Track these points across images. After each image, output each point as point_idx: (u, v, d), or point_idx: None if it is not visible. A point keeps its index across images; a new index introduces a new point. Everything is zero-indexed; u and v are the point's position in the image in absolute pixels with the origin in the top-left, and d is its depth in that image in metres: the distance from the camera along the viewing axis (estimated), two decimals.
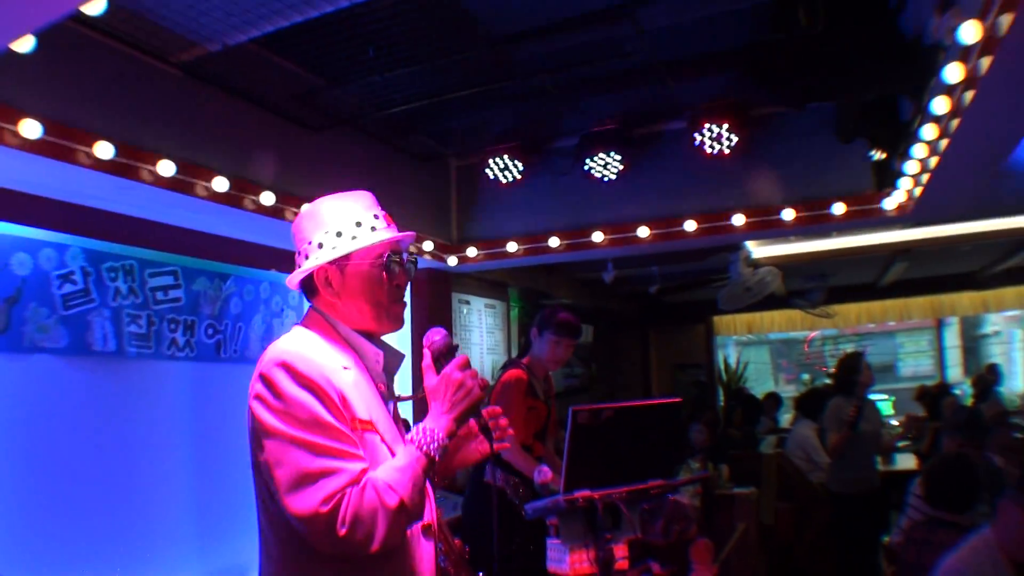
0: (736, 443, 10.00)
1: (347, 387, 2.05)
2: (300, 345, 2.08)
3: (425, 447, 2.05)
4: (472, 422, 2.29)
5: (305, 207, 2.29)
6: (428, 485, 2.21)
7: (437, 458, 2.07)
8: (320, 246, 2.19)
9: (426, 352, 2.23)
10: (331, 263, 2.18)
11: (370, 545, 1.91)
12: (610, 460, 3.33)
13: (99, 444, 4.60)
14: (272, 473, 1.94)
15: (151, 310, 4.94)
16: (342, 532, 1.87)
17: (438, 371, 2.20)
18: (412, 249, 2.36)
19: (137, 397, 4.89)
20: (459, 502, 5.30)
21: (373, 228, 2.22)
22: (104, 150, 3.91)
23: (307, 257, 2.21)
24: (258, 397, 2.00)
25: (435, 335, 2.25)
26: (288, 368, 1.99)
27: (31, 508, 4.23)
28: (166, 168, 4.22)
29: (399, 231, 2.30)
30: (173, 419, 5.09)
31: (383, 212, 2.29)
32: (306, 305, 2.31)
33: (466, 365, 2.18)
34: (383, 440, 2.11)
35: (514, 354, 7.98)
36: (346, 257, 2.19)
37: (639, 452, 3.41)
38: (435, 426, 2.09)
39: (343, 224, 2.20)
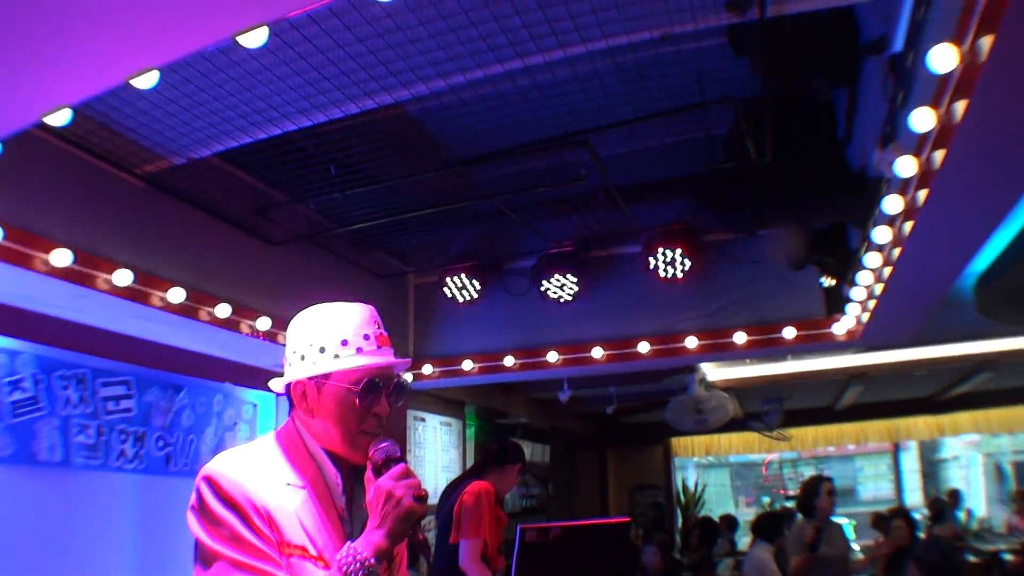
0: (690, 565, 9.91)
1: (278, 509, 1.97)
2: (233, 461, 2.03)
3: (345, 567, 1.90)
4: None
5: (300, 313, 2.19)
6: None
7: None
8: (303, 358, 2.10)
9: (368, 464, 2.08)
10: (310, 379, 2.09)
11: None
12: None
13: (42, 555, 4.46)
14: None
15: (101, 420, 4.87)
16: None
17: None
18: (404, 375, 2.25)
19: (83, 509, 4.76)
20: None
21: (359, 349, 2.09)
22: (61, 257, 3.91)
23: (291, 365, 2.13)
24: (192, 507, 1.98)
25: (381, 443, 2.07)
26: (213, 483, 1.95)
27: None
28: (122, 277, 4.22)
29: (394, 354, 2.18)
30: (120, 532, 4.96)
31: (378, 332, 2.16)
32: (261, 418, 2.27)
33: (403, 475, 2.00)
34: (326, 565, 1.98)
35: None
36: (325, 376, 2.07)
37: (588, 571, 3.40)
38: (361, 544, 1.94)
39: (328, 340, 2.09)
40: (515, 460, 5.13)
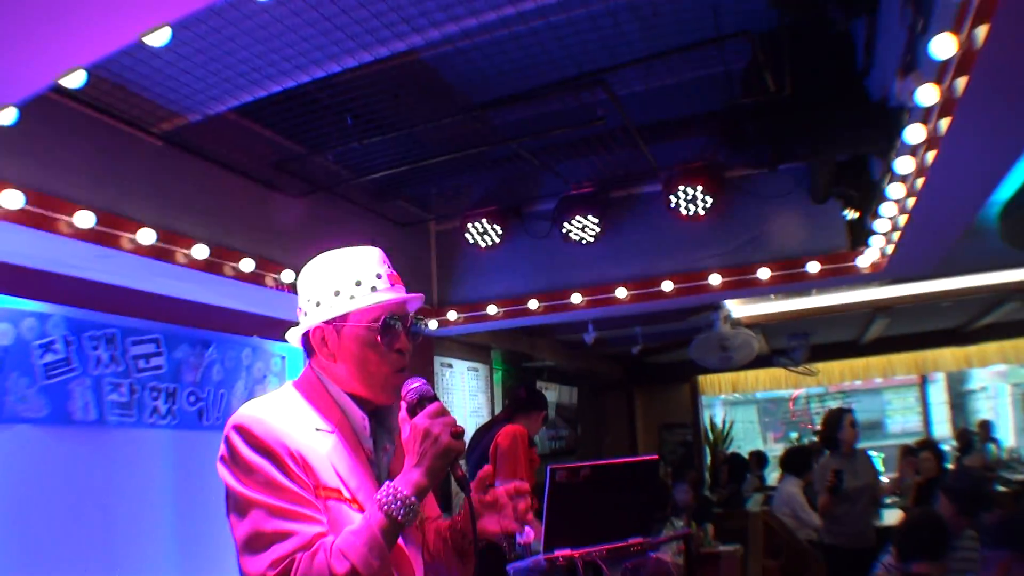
0: (720, 502, 9.98)
1: (311, 452, 1.98)
2: (262, 408, 2.03)
3: (385, 506, 1.90)
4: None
5: (311, 262, 2.21)
6: (410, 550, 2.12)
7: (400, 518, 1.90)
8: (318, 304, 2.11)
9: (402, 404, 2.11)
10: (327, 323, 2.10)
11: None
12: (590, 518, 3.34)
13: (80, 514, 4.54)
14: (233, 534, 1.93)
15: (133, 378, 4.93)
16: None
17: None
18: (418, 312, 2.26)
19: (118, 466, 4.83)
20: None
21: (373, 288, 2.12)
22: (84, 219, 3.95)
23: (306, 314, 2.14)
24: (221, 458, 1.98)
25: (413, 383, 2.10)
26: (244, 431, 1.96)
27: None
28: (146, 236, 4.26)
29: (406, 291, 2.20)
30: (155, 488, 5.03)
31: (389, 271, 2.18)
32: (290, 370, 2.28)
33: (439, 413, 2.01)
34: (360, 508, 2.00)
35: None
36: (343, 318, 2.09)
37: (618, 510, 3.43)
38: (401, 482, 1.94)
39: (342, 283, 2.11)
40: (541, 407, 5.22)
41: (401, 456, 2.10)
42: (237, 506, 1.93)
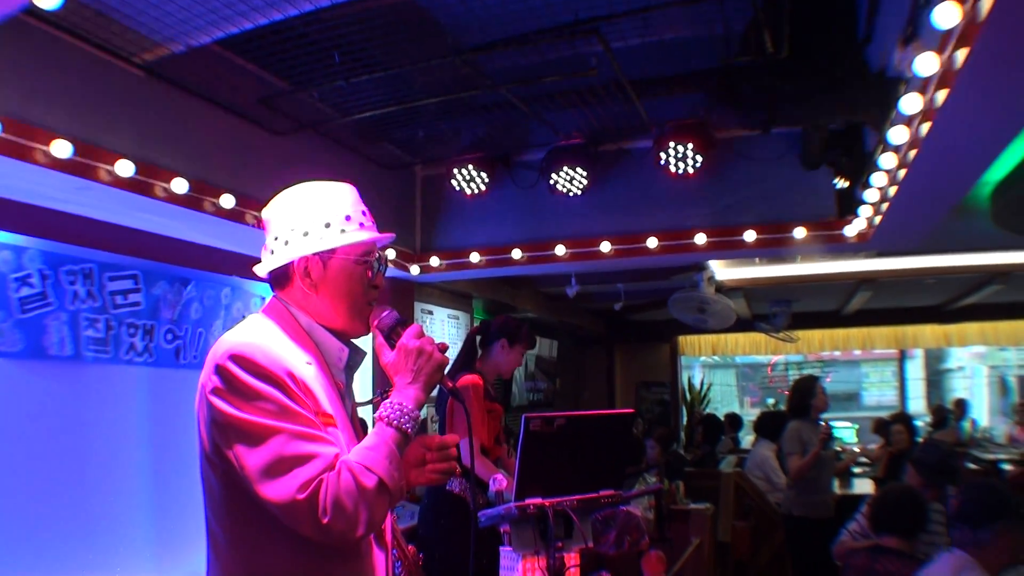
0: (693, 461, 10.07)
1: (309, 379, 2.01)
2: (256, 336, 2.03)
3: (395, 421, 2.01)
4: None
5: (286, 192, 2.22)
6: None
7: (410, 430, 2.03)
8: (305, 234, 2.13)
9: (375, 332, 2.20)
10: (315, 254, 2.13)
11: (355, 530, 1.89)
12: (562, 469, 3.33)
13: (55, 450, 4.51)
14: (243, 464, 1.90)
15: (110, 314, 4.87)
16: (325, 520, 1.85)
17: (392, 347, 2.16)
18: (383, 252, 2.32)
19: (94, 403, 4.79)
20: (416, 511, 5.30)
21: (361, 224, 2.18)
22: (61, 148, 3.85)
23: (287, 243, 2.14)
24: (216, 391, 1.96)
25: (383, 312, 2.22)
26: (243, 360, 1.95)
27: None
28: (124, 168, 4.16)
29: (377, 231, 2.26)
30: (131, 425, 5.01)
31: (366, 209, 2.25)
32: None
33: (421, 334, 2.14)
34: (350, 436, 2.10)
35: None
36: (331, 251, 2.13)
37: (591, 462, 3.42)
38: (402, 398, 2.05)
39: (332, 216, 2.15)
40: (499, 336, 5.00)
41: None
42: (246, 435, 1.91)
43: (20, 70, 3.81)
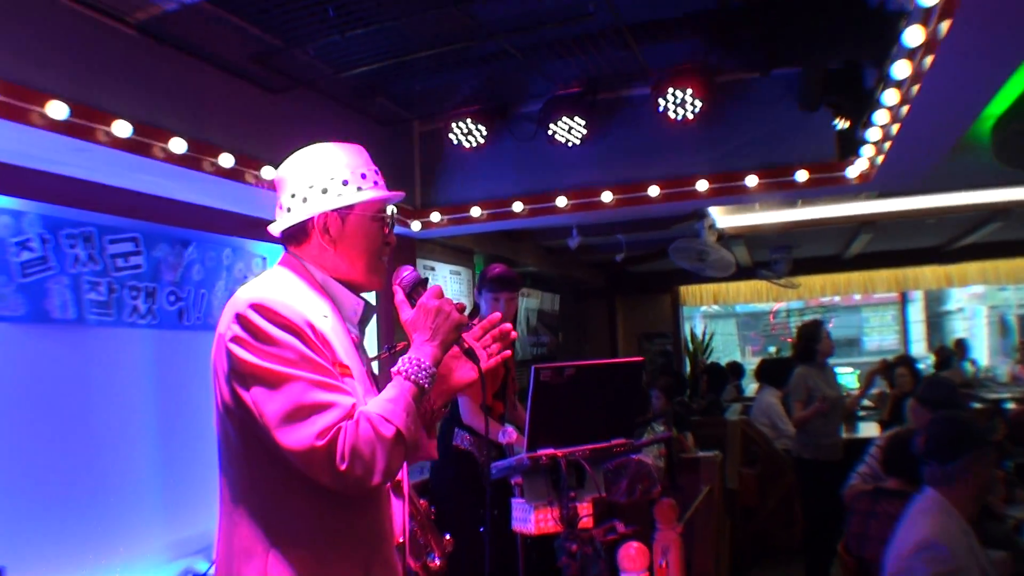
0: (699, 411, 10.11)
1: (327, 331, 2.05)
2: (276, 288, 2.08)
3: (413, 376, 2.07)
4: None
5: (301, 152, 2.27)
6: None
7: (427, 385, 2.08)
8: (324, 191, 2.18)
9: (396, 289, 2.27)
10: (334, 210, 2.18)
11: (371, 478, 1.93)
12: (573, 419, 3.34)
13: (60, 413, 4.51)
14: (260, 412, 1.94)
15: (111, 277, 4.86)
16: (342, 467, 1.89)
17: (412, 305, 2.22)
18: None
19: (98, 366, 4.79)
20: (427, 466, 5.32)
21: (376, 183, 2.25)
22: (57, 110, 3.81)
23: (304, 200, 2.18)
24: (237, 339, 1.99)
25: (404, 271, 2.30)
26: (264, 310, 1.99)
27: None
28: (122, 129, 4.13)
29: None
30: (135, 388, 5.01)
31: (378, 168, 2.31)
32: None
33: (440, 294, 2.21)
34: (370, 386, 2.18)
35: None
36: (349, 207, 2.19)
37: (602, 411, 3.43)
38: (420, 354, 2.11)
39: (350, 174, 2.21)
40: (484, 286, 4.95)
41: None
42: (265, 382, 1.95)
43: (12, 31, 3.78)
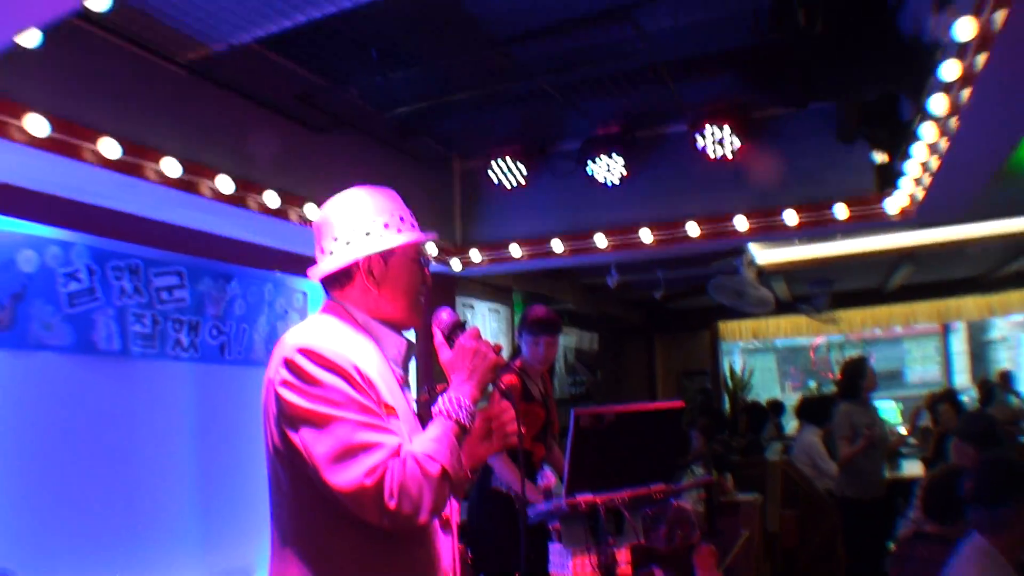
0: (739, 450, 10.00)
1: (372, 373, 2.09)
2: (321, 333, 2.12)
3: (455, 414, 2.11)
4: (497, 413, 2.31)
5: (340, 197, 2.33)
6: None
7: (467, 424, 2.12)
8: (367, 235, 2.24)
9: (436, 331, 2.31)
10: (378, 253, 2.23)
11: (419, 515, 1.95)
12: (612, 464, 3.34)
13: (102, 444, 4.60)
14: (309, 453, 1.98)
15: (156, 310, 4.95)
16: (391, 505, 1.92)
17: (451, 346, 2.27)
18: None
19: (141, 397, 4.88)
20: (464, 508, 5.29)
21: (413, 226, 2.31)
22: (110, 148, 3.94)
23: (348, 244, 2.24)
24: (285, 383, 2.04)
25: (443, 313, 2.34)
26: (312, 354, 2.03)
27: (33, 507, 4.23)
28: (171, 167, 4.25)
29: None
30: (176, 420, 5.08)
31: (411, 211, 2.37)
32: (312, 306, 2.34)
33: (478, 336, 2.24)
34: (415, 425, 2.22)
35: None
36: (391, 250, 2.25)
37: (641, 456, 3.42)
38: (459, 393, 2.15)
39: (389, 217, 2.27)
40: (524, 328, 4.83)
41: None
42: (313, 424, 1.99)
43: (68, 71, 3.92)
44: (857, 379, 7.06)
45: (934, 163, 4.81)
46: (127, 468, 4.73)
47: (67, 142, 3.80)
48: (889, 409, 12.50)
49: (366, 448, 1.95)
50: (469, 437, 2.18)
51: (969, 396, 12.97)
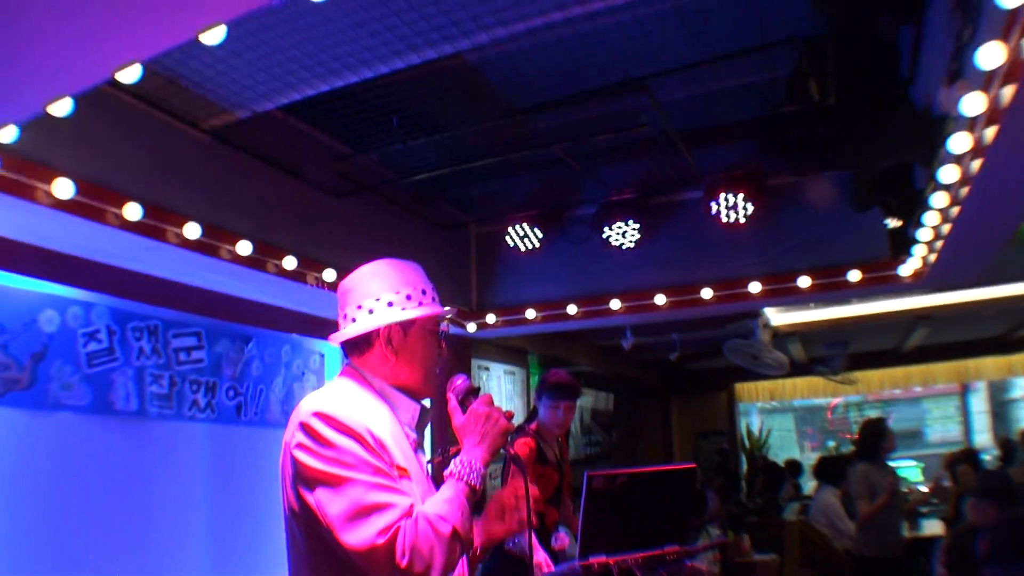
0: (756, 511, 9.93)
1: (385, 436, 2.15)
2: (337, 397, 2.20)
3: (465, 477, 2.16)
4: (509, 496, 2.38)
5: (366, 267, 2.41)
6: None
7: (478, 486, 2.17)
8: (390, 304, 2.32)
9: (450, 396, 2.37)
10: (398, 323, 2.32)
11: (430, 574, 2.00)
12: (626, 526, 3.34)
13: (118, 504, 4.62)
14: (324, 513, 2.04)
15: (173, 370, 5.00)
16: (403, 564, 1.97)
17: (464, 411, 2.33)
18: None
19: (157, 458, 4.90)
20: (478, 569, 5.27)
21: (433, 299, 2.41)
22: (133, 211, 4.01)
23: (371, 312, 2.32)
24: (301, 446, 2.11)
25: (457, 379, 2.41)
26: (327, 418, 2.10)
27: (50, 566, 4.23)
28: (192, 230, 4.32)
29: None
30: (192, 481, 5.10)
31: (433, 284, 2.45)
32: (328, 368, 2.40)
33: (491, 402, 2.31)
34: (429, 487, 2.27)
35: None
36: (411, 320, 2.33)
37: (655, 518, 3.43)
38: (470, 457, 2.21)
39: (412, 288, 2.36)
40: (544, 392, 4.84)
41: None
42: (328, 486, 2.06)
43: (94, 135, 4.01)
44: (876, 439, 7.02)
45: (945, 229, 4.85)
46: (143, 528, 4.73)
47: (91, 205, 3.88)
48: (910, 468, 12.39)
49: (379, 508, 2.01)
50: (485, 517, 2.26)
51: (991, 455, 12.85)
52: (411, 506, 2.05)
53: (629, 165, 5.77)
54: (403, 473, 2.15)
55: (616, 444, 11.96)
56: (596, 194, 6.18)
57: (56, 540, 4.29)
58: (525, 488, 2.35)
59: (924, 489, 11.13)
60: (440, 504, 2.10)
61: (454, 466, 2.20)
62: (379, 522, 1.99)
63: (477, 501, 2.21)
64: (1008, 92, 3.13)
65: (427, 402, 2.46)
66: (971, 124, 3.54)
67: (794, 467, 12.35)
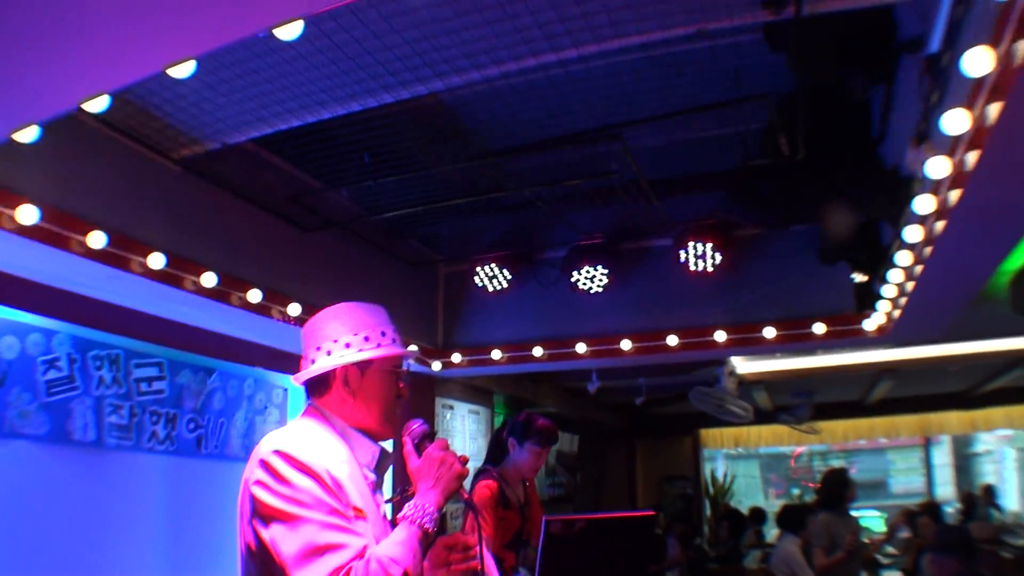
0: (718, 558, 9.92)
1: (343, 477, 2.19)
2: (298, 437, 2.23)
3: (418, 520, 2.18)
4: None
5: (328, 309, 2.44)
6: None
7: (431, 529, 2.19)
8: (347, 346, 2.35)
9: (406, 440, 2.40)
10: (354, 364, 2.34)
11: None
12: (583, 571, 3.33)
13: (74, 534, 4.53)
14: (278, 551, 2.06)
15: (134, 401, 4.93)
16: None
17: (419, 455, 2.36)
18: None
19: (115, 489, 4.83)
20: None
21: (394, 340, 2.43)
22: (97, 239, 3.97)
23: (329, 354, 2.35)
24: (260, 483, 2.14)
25: (414, 424, 2.43)
26: (287, 456, 2.13)
27: None
28: (156, 260, 4.28)
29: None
30: (150, 514, 5.02)
31: (395, 327, 2.48)
32: (292, 403, 2.40)
33: (446, 447, 2.35)
34: (385, 528, 2.29)
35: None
36: (368, 361, 2.36)
37: (613, 564, 3.42)
38: (424, 500, 2.23)
39: (370, 330, 2.39)
40: (530, 437, 4.59)
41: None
42: (282, 523, 2.09)
43: (60, 161, 3.96)
44: (838, 489, 7.05)
45: (910, 287, 4.90)
46: (99, 561, 4.65)
47: (55, 232, 3.82)
48: (872, 519, 12.43)
49: (332, 548, 2.04)
50: (429, 564, 2.22)
51: (953, 507, 12.92)
52: (364, 547, 2.08)
53: (600, 210, 5.80)
54: (359, 514, 2.18)
55: (580, 487, 11.92)
56: (566, 237, 6.19)
57: (8, 571, 4.20)
58: (478, 533, 2.35)
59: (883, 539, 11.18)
60: (392, 546, 2.11)
61: (407, 509, 2.22)
62: (331, 562, 2.01)
63: (430, 543, 2.22)
64: (972, 157, 3.18)
65: (389, 445, 2.48)
66: (936, 186, 3.59)
67: (757, 514, 12.37)
